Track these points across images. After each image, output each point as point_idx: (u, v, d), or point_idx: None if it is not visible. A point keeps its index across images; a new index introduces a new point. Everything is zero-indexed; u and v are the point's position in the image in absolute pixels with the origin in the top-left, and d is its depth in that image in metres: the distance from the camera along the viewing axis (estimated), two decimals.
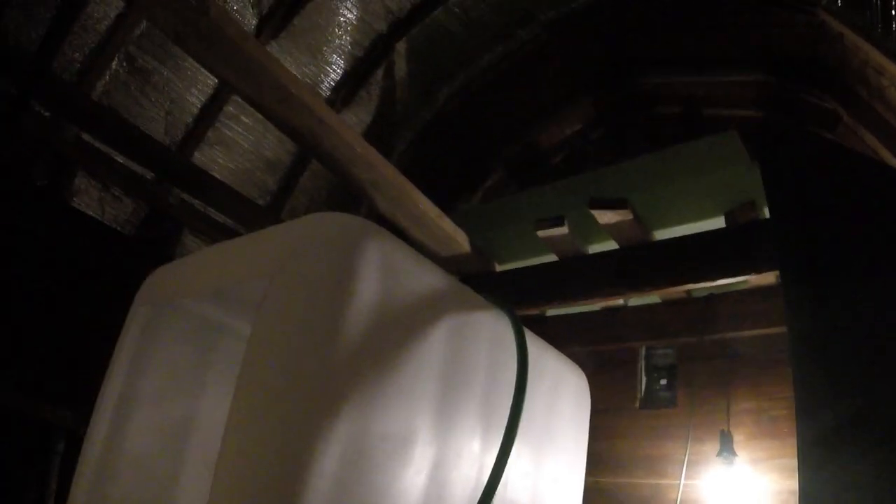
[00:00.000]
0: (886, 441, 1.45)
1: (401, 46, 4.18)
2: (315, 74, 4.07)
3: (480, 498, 1.49)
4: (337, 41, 4.03)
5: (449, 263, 3.12)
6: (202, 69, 3.44)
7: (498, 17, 4.12)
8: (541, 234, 3.02)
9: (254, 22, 3.72)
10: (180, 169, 3.53)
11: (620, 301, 3.70)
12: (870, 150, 3.21)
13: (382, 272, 1.38)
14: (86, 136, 3.30)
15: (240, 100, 3.20)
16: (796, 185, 1.93)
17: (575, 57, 4.34)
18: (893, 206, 1.72)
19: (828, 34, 3.16)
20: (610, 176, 3.07)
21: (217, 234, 3.89)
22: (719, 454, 3.04)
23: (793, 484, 2.04)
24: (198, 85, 3.76)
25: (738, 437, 3.13)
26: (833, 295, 1.69)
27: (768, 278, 2.99)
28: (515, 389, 1.63)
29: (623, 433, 3.58)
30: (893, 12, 2.77)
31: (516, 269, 3.41)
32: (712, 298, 3.45)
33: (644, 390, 3.74)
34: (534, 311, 3.68)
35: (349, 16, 3.96)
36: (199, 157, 3.88)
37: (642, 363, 3.82)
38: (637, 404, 3.69)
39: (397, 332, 1.41)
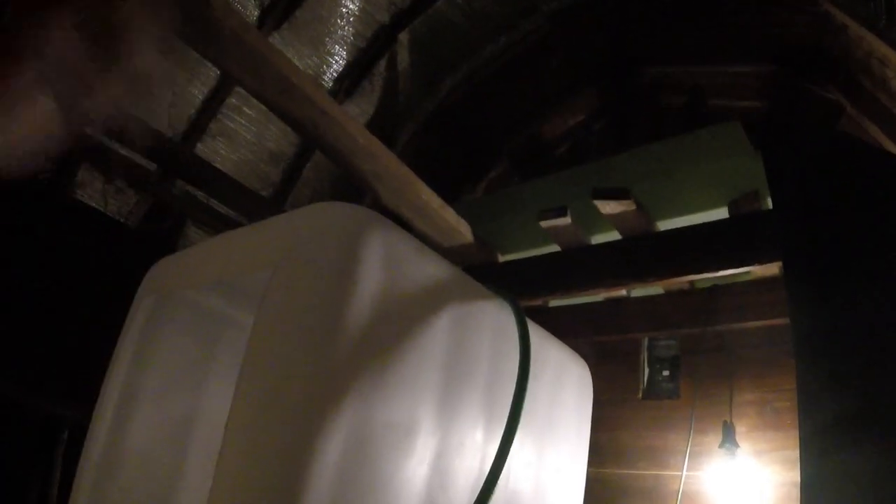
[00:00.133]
0: (888, 433, 1.46)
1: (403, 37, 4.17)
2: (317, 66, 4.06)
3: (483, 488, 1.49)
4: (339, 32, 4.02)
5: (452, 254, 3.12)
6: (205, 61, 3.43)
7: (501, 7, 4.11)
8: (544, 224, 3.02)
9: (256, 13, 3.71)
10: (183, 161, 3.52)
11: (623, 292, 3.69)
12: (873, 140, 3.19)
13: (386, 262, 1.38)
14: (88, 129, 3.29)
15: (242, 91, 3.20)
16: (799, 178, 1.92)
17: (578, 47, 4.33)
18: None
19: (832, 25, 3.15)
20: (613, 166, 3.06)
21: (220, 225, 3.88)
22: (722, 445, 3.04)
23: (795, 475, 2.04)
24: (200, 77, 3.75)
25: (741, 429, 3.13)
26: (836, 289, 1.69)
27: (772, 269, 2.98)
28: (518, 379, 1.63)
29: (626, 424, 3.58)
30: None
31: (519, 260, 3.42)
32: (715, 289, 3.44)
33: (647, 381, 3.74)
34: (537, 302, 3.68)
35: (351, 7, 3.95)
36: (202, 149, 3.89)
37: (645, 354, 3.83)
38: (640, 395, 3.69)
39: (400, 322, 1.41)
